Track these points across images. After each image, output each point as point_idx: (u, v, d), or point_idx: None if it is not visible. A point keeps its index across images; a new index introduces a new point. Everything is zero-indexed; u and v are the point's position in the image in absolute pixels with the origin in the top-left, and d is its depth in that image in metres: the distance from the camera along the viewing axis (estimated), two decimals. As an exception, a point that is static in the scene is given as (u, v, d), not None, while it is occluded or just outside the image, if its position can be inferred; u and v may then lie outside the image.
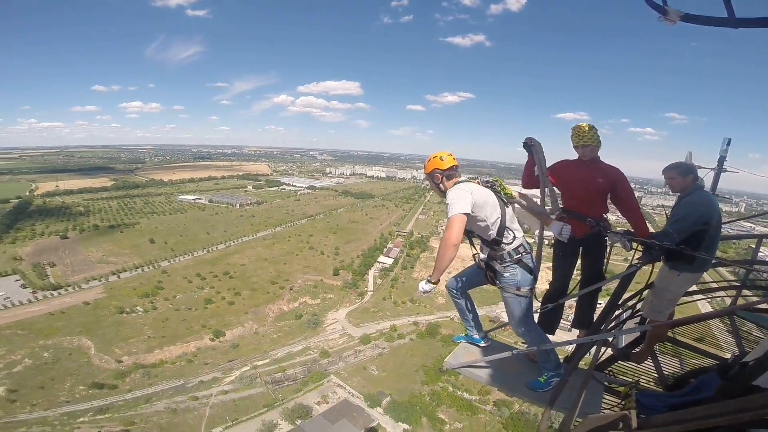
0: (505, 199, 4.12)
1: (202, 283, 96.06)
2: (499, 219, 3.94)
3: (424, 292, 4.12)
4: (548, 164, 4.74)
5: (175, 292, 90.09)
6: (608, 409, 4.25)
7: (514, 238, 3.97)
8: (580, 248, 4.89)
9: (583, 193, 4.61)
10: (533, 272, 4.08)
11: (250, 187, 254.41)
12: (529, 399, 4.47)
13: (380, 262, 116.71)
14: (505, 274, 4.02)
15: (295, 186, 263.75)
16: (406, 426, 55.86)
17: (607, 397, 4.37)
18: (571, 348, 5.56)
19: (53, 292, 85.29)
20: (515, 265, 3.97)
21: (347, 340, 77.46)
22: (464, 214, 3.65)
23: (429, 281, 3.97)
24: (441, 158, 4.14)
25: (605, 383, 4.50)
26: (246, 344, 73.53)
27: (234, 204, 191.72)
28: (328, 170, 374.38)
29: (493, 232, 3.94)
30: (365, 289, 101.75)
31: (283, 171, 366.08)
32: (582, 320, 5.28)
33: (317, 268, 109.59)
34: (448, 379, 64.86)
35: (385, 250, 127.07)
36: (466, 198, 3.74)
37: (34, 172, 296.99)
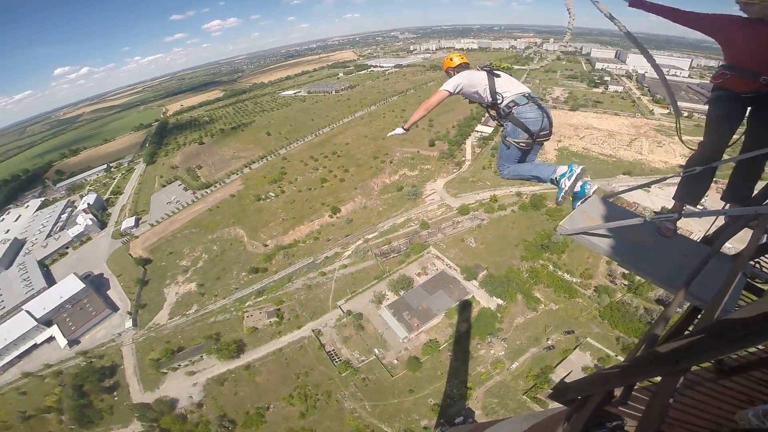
0: (498, 73, 5.60)
1: (316, 164, 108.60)
2: (488, 87, 5.43)
3: (393, 134, 6.29)
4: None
5: (295, 175, 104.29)
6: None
7: (503, 98, 5.34)
8: (748, 109, 4.26)
9: (753, 51, 3.98)
10: (526, 129, 5.19)
11: (341, 74, 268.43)
12: (655, 280, 3.97)
13: (478, 131, 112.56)
14: (503, 126, 5.47)
15: (381, 66, 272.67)
16: (500, 301, 57.95)
17: (744, 293, 3.82)
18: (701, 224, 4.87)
19: (206, 191, 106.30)
20: (507, 119, 5.33)
21: (445, 211, 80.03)
22: (446, 91, 5.60)
23: (402, 128, 6.17)
24: (452, 59, 6.18)
25: (748, 277, 3.80)
26: (357, 218, 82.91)
27: (330, 91, 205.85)
28: (411, 48, 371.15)
29: (487, 98, 5.47)
30: (463, 158, 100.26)
31: (368, 54, 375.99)
32: (737, 192, 4.50)
33: (413, 141, 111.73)
34: (550, 257, 63.44)
35: (483, 119, 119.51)
36: (455, 81, 5.58)
37: (159, 98, 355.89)
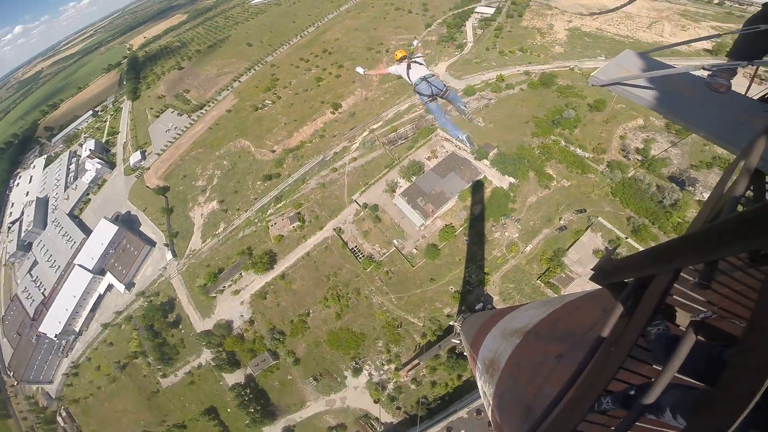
0: (412, 66, 11.06)
1: (308, 65, 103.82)
2: (406, 75, 11.02)
3: (357, 70, 13.06)
4: None
5: (288, 78, 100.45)
6: None
7: (412, 81, 10.96)
8: None
9: None
10: (429, 95, 10.71)
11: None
12: (709, 134, 3.72)
13: (478, 13, 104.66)
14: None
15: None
16: (512, 179, 57.60)
17: None
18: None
19: (201, 111, 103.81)
20: (417, 93, 10.99)
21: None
22: (388, 71, 11.70)
23: (364, 70, 12.91)
24: (397, 56, 11.43)
25: None
26: (360, 111, 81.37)
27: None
28: None
29: (408, 81, 11.13)
30: (464, 41, 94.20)
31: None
32: None
33: (408, 27, 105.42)
34: (562, 132, 61.28)
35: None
36: (393, 69, 11.47)
37: (117, 36, 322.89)
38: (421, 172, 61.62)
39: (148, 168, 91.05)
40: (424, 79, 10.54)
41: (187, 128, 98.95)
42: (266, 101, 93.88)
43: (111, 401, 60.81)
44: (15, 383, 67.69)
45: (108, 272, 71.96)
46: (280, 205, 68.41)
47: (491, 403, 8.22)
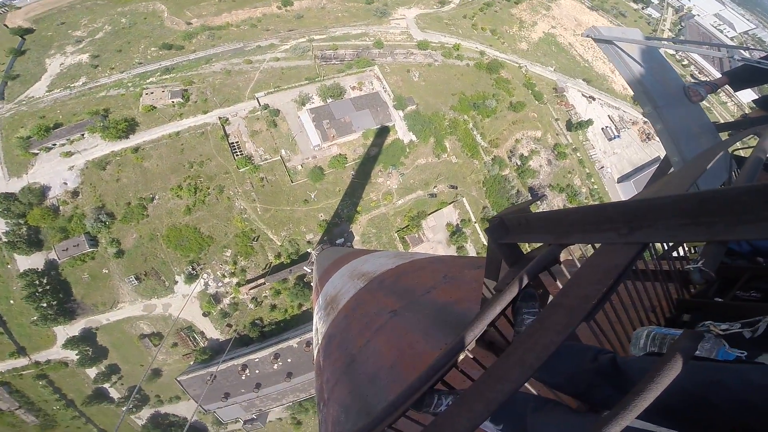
0: None
1: None
2: None
3: None
4: None
5: None
6: None
7: None
8: None
9: None
10: None
11: None
12: (665, 127, 4.03)
13: None
14: None
15: None
16: (414, 138, 58.77)
17: None
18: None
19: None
20: None
21: (406, 39, 73.74)
22: None
23: None
24: None
25: None
26: (310, 17, 73.24)
27: None
28: None
29: None
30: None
31: None
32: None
33: None
34: (475, 116, 63.49)
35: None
36: None
37: None
38: (340, 97, 58.60)
39: (20, 7, 71.53)
40: None
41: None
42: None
43: None
44: None
45: None
46: (167, 76, 58.47)
47: (320, 342, 8.10)
